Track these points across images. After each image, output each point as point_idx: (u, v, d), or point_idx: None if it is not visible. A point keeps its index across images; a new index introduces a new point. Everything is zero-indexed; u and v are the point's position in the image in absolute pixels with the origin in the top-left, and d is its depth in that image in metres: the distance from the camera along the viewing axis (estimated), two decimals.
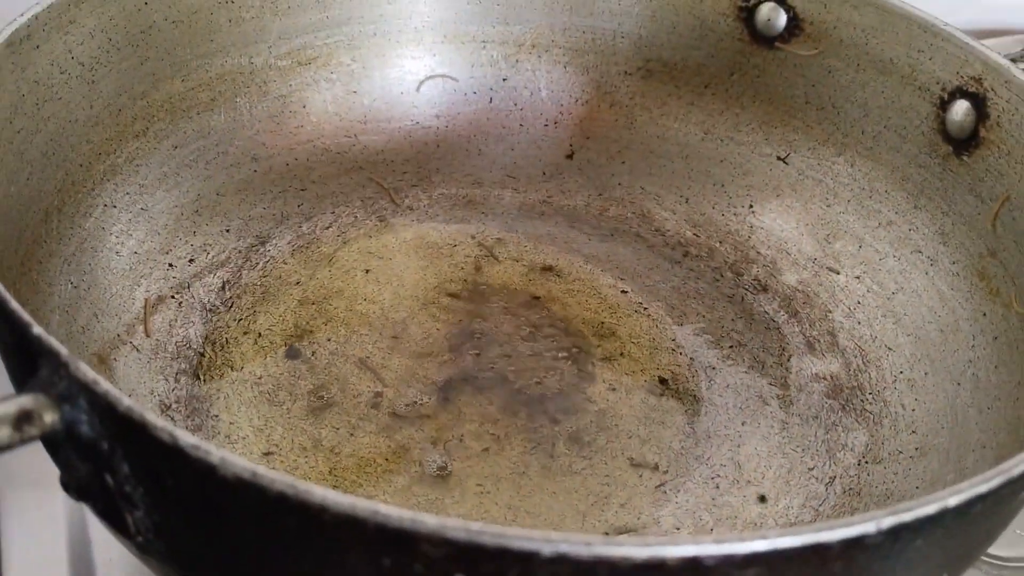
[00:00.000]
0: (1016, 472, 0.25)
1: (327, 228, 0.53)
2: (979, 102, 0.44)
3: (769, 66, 0.53)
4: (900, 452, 0.42)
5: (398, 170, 0.56)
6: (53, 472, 0.47)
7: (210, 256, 0.49)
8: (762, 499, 0.42)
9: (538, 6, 0.56)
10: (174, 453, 0.23)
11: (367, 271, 0.51)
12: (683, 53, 0.55)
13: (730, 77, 0.54)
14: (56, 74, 0.41)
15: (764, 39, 0.52)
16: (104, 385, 0.23)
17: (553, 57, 0.57)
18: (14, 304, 0.25)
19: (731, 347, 0.48)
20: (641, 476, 0.42)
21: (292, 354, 0.46)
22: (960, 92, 0.45)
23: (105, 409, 0.23)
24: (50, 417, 0.24)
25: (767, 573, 0.23)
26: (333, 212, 0.54)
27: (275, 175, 0.53)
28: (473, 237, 0.54)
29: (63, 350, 0.24)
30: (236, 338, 0.46)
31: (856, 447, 0.43)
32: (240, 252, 0.50)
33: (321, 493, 0.22)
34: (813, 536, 0.23)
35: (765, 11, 0.52)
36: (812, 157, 0.52)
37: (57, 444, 0.24)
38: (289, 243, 0.52)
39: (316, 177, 0.54)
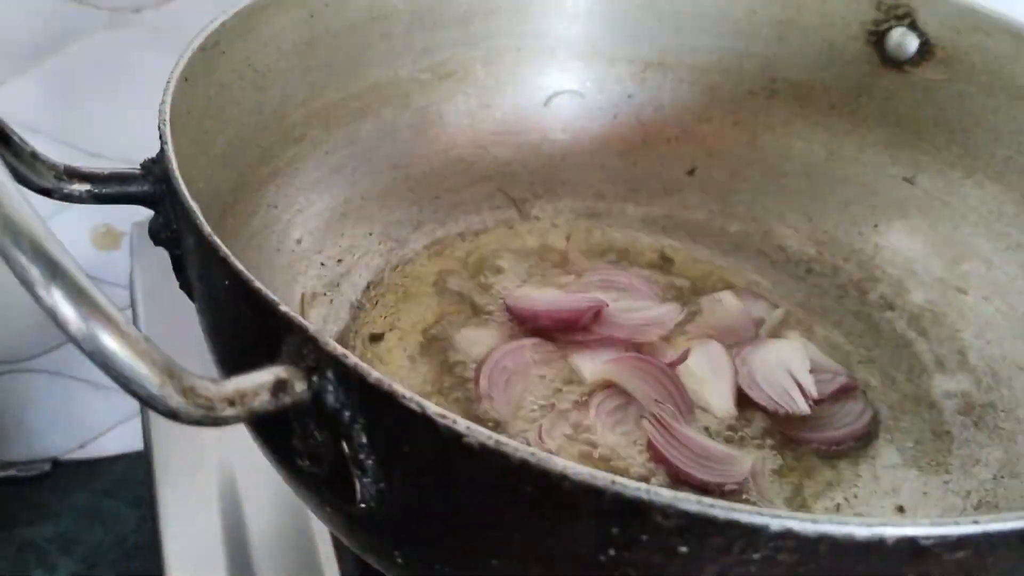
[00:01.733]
0: None
1: (459, 234, 0.55)
2: None
3: (898, 89, 0.54)
4: None
5: (525, 181, 0.58)
6: (207, 458, 0.49)
7: (356, 257, 0.51)
8: (900, 509, 0.42)
9: (667, 26, 0.58)
10: (420, 421, 0.24)
11: (499, 272, 0.53)
12: (810, 74, 0.56)
13: (857, 99, 0.55)
14: (235, 79, 0.44)
15: (894, 63, 0.54)
16: (353, 359, 0.25)
17: (679, 75, 0.59)
18: (258, 284, 0.28)
19: (860, 362, 0.49)
20: (781, 484, 0.43)
21: (436, 350, 0.48)
22: None
23: (354, 380, 0.25)
24: (300, 387, 0.26)
25: (973, 555, 0.24)
26: (464, 220, 0.56)
27: (412, 183, 0.55)
28: (597, 247, 0.56)
29: (311, 326, 0.26)
30: (383, 333, 0.48)
31: (991, 463, 0.44)
32: (382, 255, 0.52)
33: (562, 463, 0.23)
34: (1021, 522, 0.24)
35: (896, 36, 0.53)
36: (940, 179, 0.53)
37: (301, 413, 0.26)
38: (425, 247, 0.54)
39: (449, 186, 0.56)
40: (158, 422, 0.52)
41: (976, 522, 0.24)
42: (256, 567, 0.45)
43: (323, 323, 0.48)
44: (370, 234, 0.53)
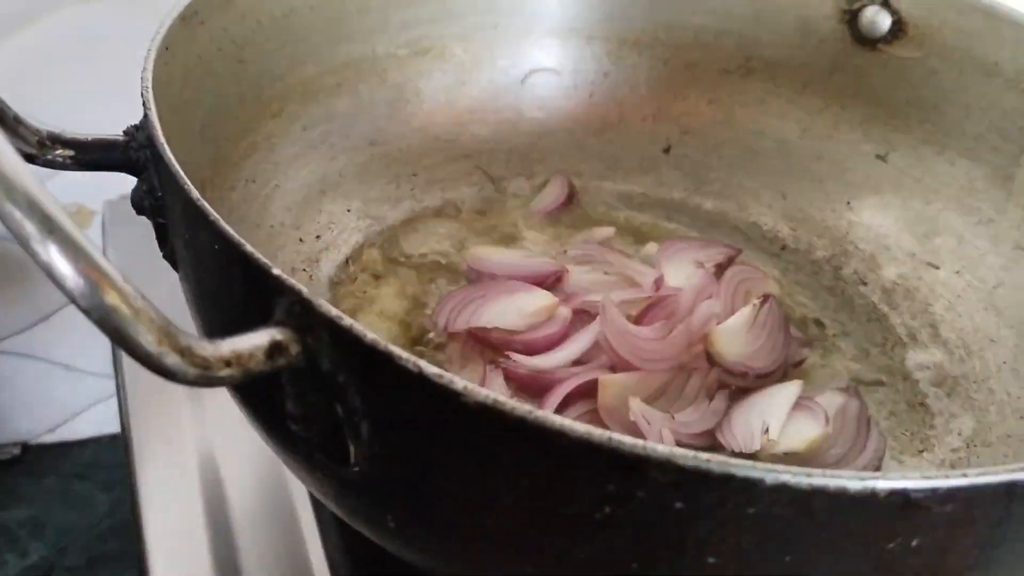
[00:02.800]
0: None
1: (437, 210, 0.55)
2: None
3: (871, 67, 0.54)
4: (1009, 436, 0.44)
5: (502, 159, 0.58)
6: (185, 437, 0.49)
7: (334, 233, 0.51)
8: None
9: (643, 4, 0.58)
10: (417, 382, 0.24)
11: (477, 248, 0.53)
12: (785, 52, 0.57)
13: (831, 77, 0.56)
14: (214, 51, 0.44)
15: (867, 41, 0.54)
16: (347, 320, 0.25)
17: (655, 53, 0.59)
18: (249, 248, 0.27)
19: (835, 335, 0.50)
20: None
21: (416, 323, 0.48)
22: None
23: (349, 342, 0.25)
24: (295, 349, 0.26)
25: (961, 508, 0.25)
26: (442, 196, 0.56)
27: (390, 159, 0.55)
28: (574, 224, 0.56)
29: (304, 289, 0.26)
30: (362, 307, 0.48)
31: (964, 431, 0.45)
32: (360, 230, 0.52)
33: (559, 420, 0.24)
34: (1008, 475, 0.24)
35: (869, 14, 0.54)
36: (912, 156, 0.54)
37: (295, 376, 0.26)
38: (403, 223, 0.54)
39: (427, 163, 0.56)
40: (135, 402, 0.51)
41: (964, 475, 0.24)
42: (239, 544, 0.44)
43: None
44: (348, 210, 0.53)
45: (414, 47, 0.56)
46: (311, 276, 0.49)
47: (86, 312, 0.21)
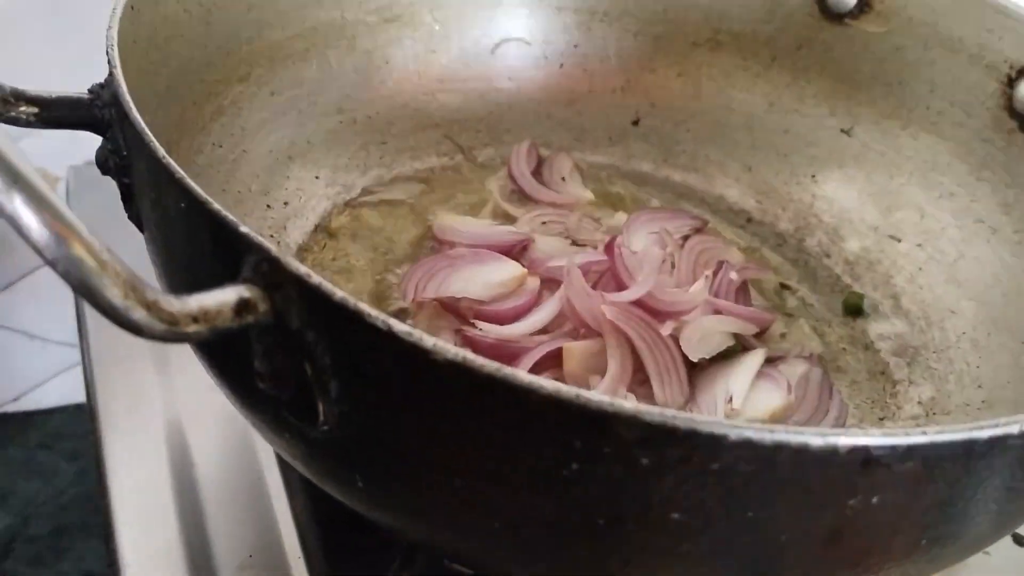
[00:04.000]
0: None
1: (407, 179, 0.55)
2: None
3: (837, 42, 0.55)
4: (967, 404, 0.45)
5: (471, 128, 0.58)
6: (151, 405, 0.49)
7: (302, 200, 0.51)
8: None
9: None
10: (387, 340, 0.24)
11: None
12: (752, 26, 0.57)
13: (798, 51, 0.56)
14: (180, 12, 0.43)
15: (834, 15, 0.55)
16: (316, 278, 0.25)
17: (624, 25, 0.59)
18: (216, 206, 0.27)
19: (798, 306, 0.51)
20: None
21: (385, 292, 0.48)
22: None
23: (317, 299, 0.25)
24: (263, 307, 0.26)
25: (921, 466, 0.25)
26: (412, 165, 0.56)
27: (359, 127, 0.55)
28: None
29: (272, 247, 0.26)
30: (331, 277, 0.48)
31: (923, 400, 0.46)
32: (329, 198, 0.52)
33: (528, 377, 0.24)
34: (967, 433, 0.25)
35: None
36: (876, 130, 0.54)
37: (263, 333, 0.26)
38: (372, 191, 0.54)
39: (396, 131, 0.56)
40: (101, 371, 0.51)
41: (924, 432, 0.25)
42: (206, 510, 0.44)
43: None
44: (317, 177, 0.52)
45: (384, 14, 0.56)
46: (279, 243, 0.48)
47: (51, 264, 0.21)
